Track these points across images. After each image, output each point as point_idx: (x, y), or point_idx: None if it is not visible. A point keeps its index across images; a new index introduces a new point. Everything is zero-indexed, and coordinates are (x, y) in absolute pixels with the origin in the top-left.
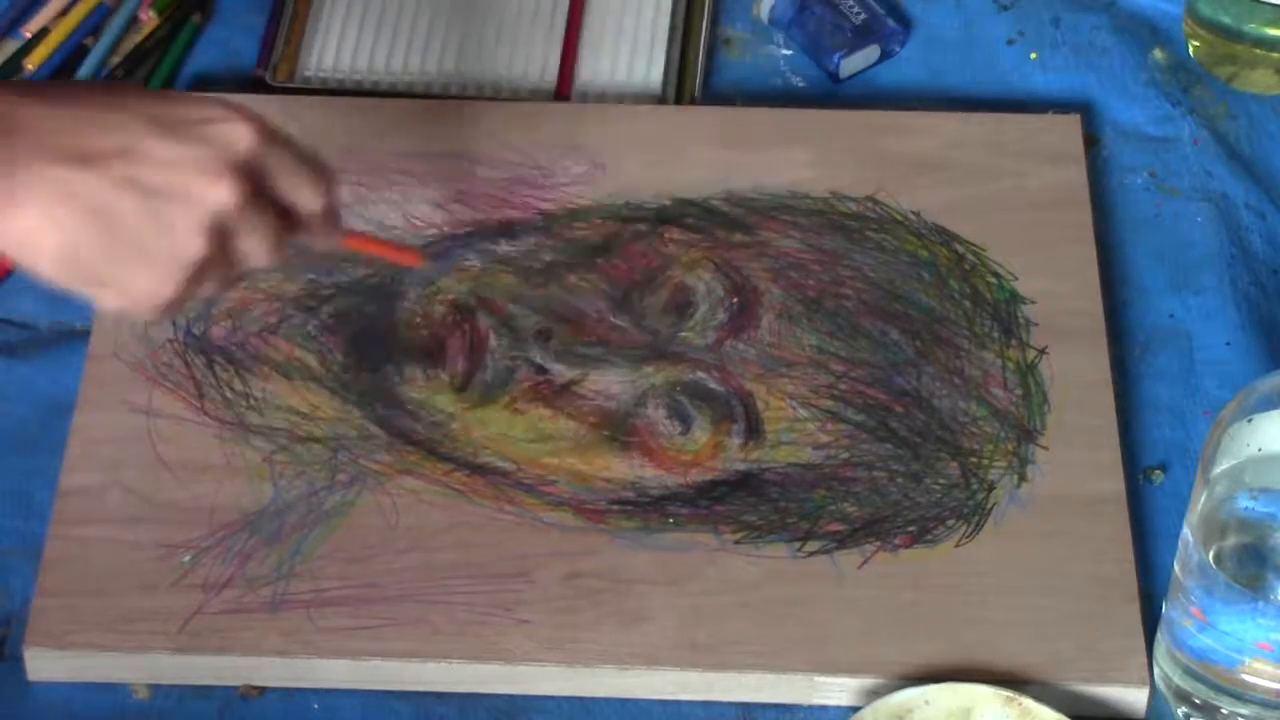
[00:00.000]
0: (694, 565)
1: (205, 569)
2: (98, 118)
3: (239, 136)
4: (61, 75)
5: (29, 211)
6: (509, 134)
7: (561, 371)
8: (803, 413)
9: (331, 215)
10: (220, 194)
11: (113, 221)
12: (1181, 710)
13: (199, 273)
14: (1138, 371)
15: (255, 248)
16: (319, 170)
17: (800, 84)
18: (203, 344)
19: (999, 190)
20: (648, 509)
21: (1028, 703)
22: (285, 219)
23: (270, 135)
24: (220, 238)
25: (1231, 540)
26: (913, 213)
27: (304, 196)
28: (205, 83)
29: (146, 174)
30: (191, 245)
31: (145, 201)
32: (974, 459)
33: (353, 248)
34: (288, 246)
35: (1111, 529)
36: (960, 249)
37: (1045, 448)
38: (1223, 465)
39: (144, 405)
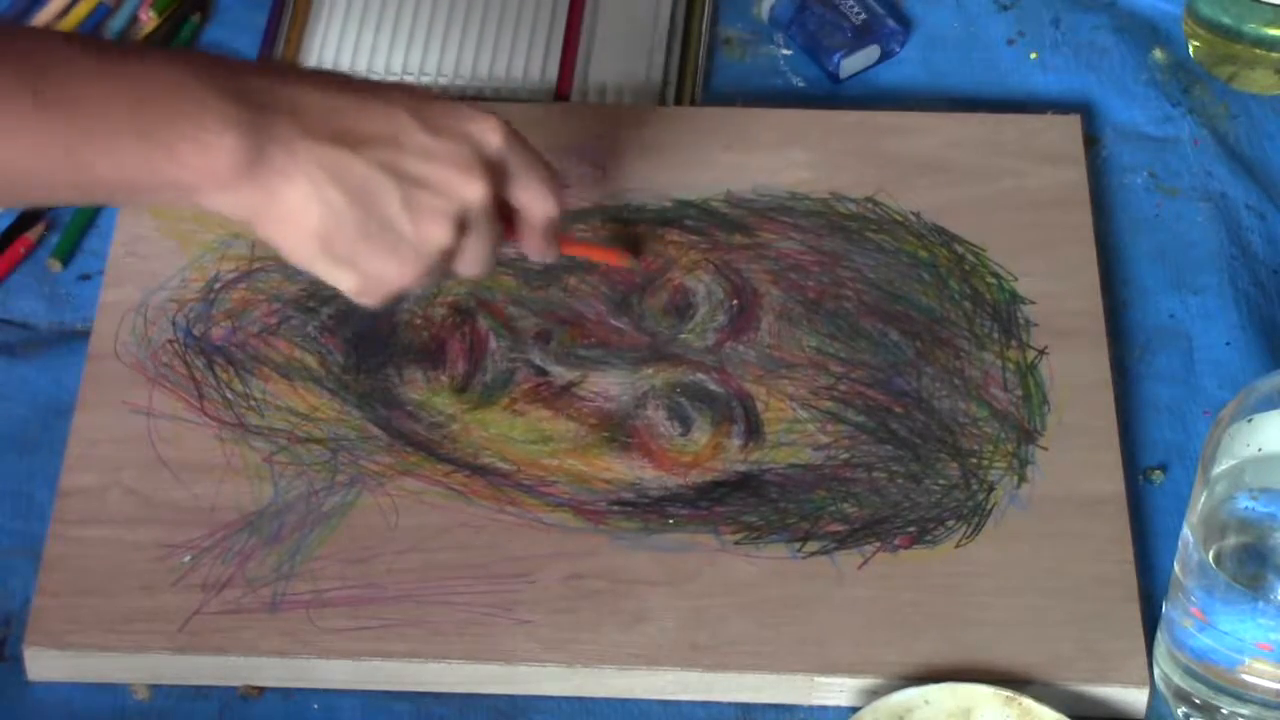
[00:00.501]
0: (694, 566)
1: (205, 569)
2: (363, 105)
3: (490, 136)
4: None
5: (299, 186)
6: None
7: (561, 373)
8: (803, 414)
9: (554, 224)
10: (472, 190)
11: (373, 203)
12: (1181, 710)
13: (433, 267)
14: (1138, 372)
15: (478, 251)
16: (553, 178)
17: (800, 84)
18: (203, 344)
19: (999, 190)
20: (648, 510)
21: (1028, 703)
22: (507, 225)
23: (514, 138)
24: (460, 234)
25: (1231, 540)
26: (912, 213)
27: (537, 204)
28: None
29: (408, 162)
30: (439, 236)
31: (404, 188)
32: (974, 460)
33: (568, 253)
34: (499, 254)
35: (1111, 529)
36: (960, 249)
37: (1045, 448)
38: (1223, 465)
39: (144, 405)
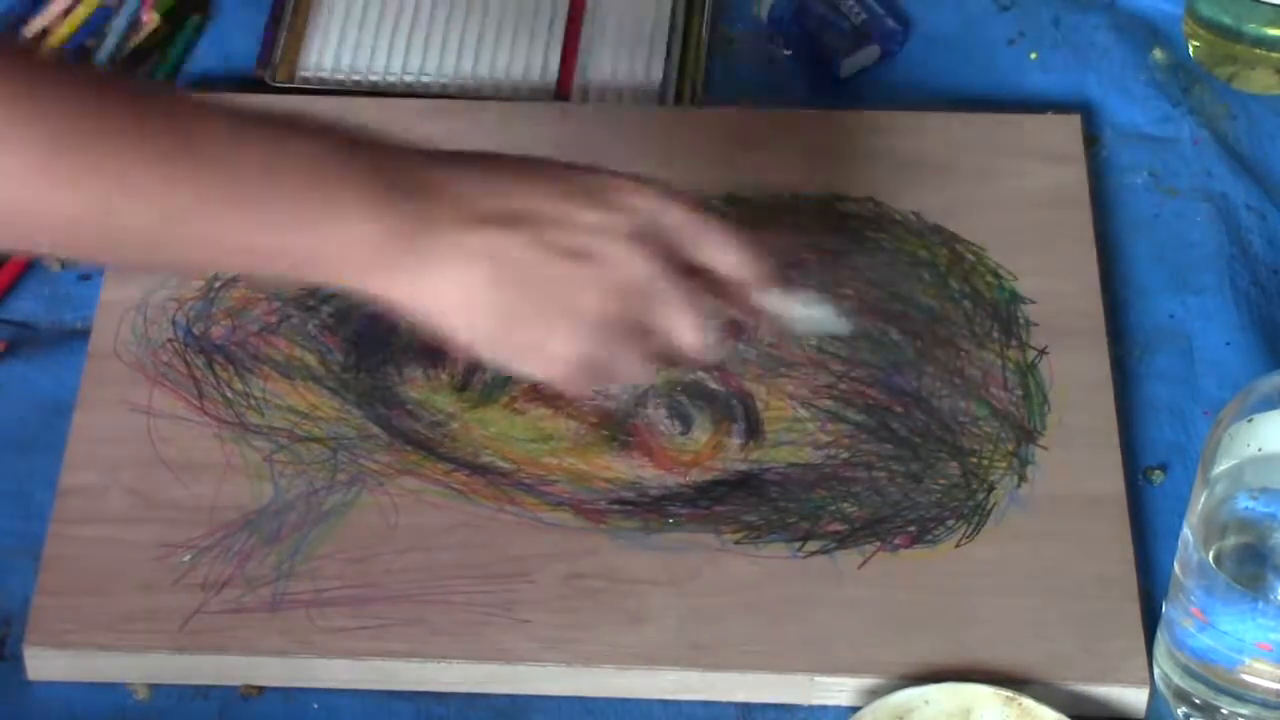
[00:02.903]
0: (694, 565)
1: (205, 568)
2: (510, 184)
3: (645, 204)
4: None
5: (448, 272)
6: (509, 134)
7: None
8: (803, 413)
9: (763, 280)
10: (634, 259)
11: (527, 281)
12: (1181, 710)
13: (616, 340)
14: (1138, 372)
15: (680, 318)
16: (739, 236)
17: (800, 84)
18: (203, 343)
19: (999, 190)
20: (648, 509)
21: (1028, 703)
22: (714, 290)
23: (674, 201)
24: (639, 304)
25: (1231, 540)
26: (912, 213)
27: (724, 259)
28: (206, 83)
29: (562, 237)
30: (604, 307)
31: (560, 263)
32: (974, 459)
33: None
34: (722, 319)
35: (1111, 529)
36: (960, 249)
37: (1045, 448)
38: (1223, 465)
39: (144, 405)
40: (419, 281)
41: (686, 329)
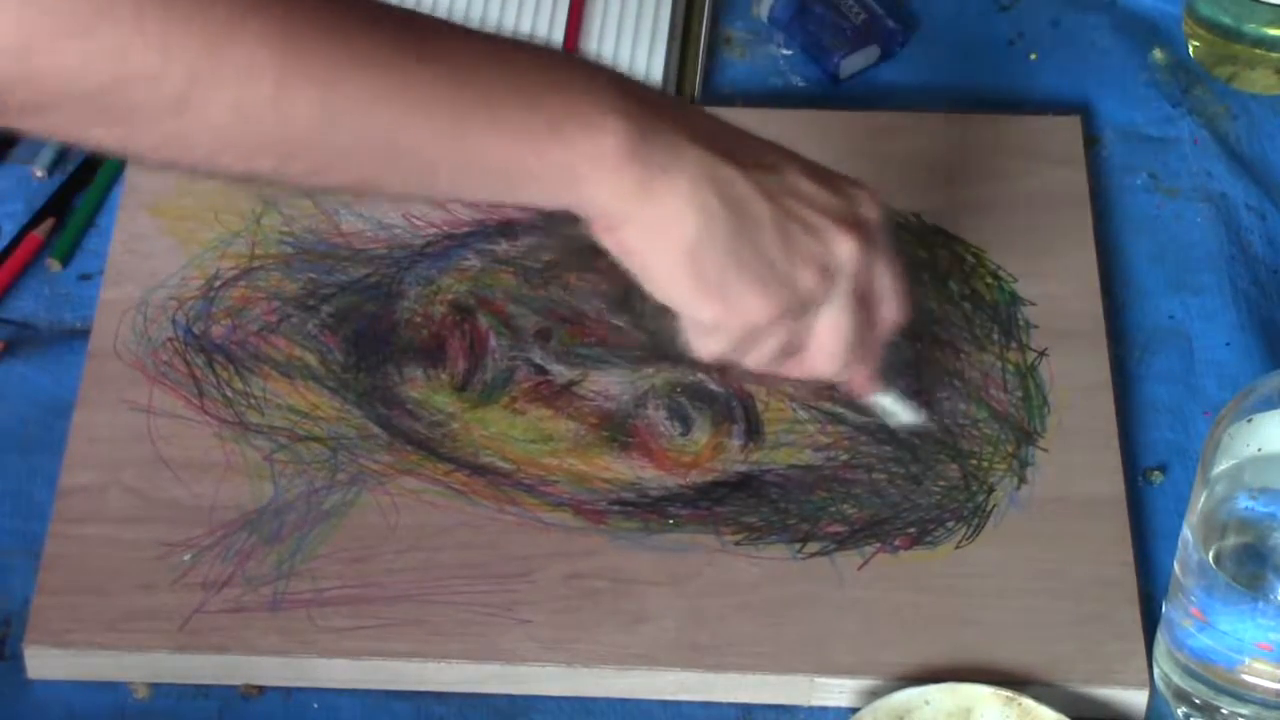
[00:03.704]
0: (694, 566)
1: (205, 568)
2: (751, 139)
3: (873, 210)
4: None
5: (680, 188)
6: None
7: (561, 372)
8: (802, 414)
9: (891, 335)
10: (847, 246)
11: (750, 223)
12: (1181, 710)
13: (790, 318)
14: (1137, 372)
15: (836, 325)
16: (907, 286)
17: (800, 84)
18: (203, 342)
19: (999, 191)
20: (648, 510)
21: (1028, 703)
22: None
23: (888, 222)
24: (828, 293)
25: (1231, 540)
26: (912, 214)
27: (891, 301)
28: None
29: (787, 198)
30: (807, 278)
31: (782, 218)
32: (974, 461)
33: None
34: (856, 358)
35: (1111, 530)
36: (960, 250)
37: (1045, 450)
38: (1223, 465)
39: (144, 404)
40: (642, 193)
41: (826, 352)
